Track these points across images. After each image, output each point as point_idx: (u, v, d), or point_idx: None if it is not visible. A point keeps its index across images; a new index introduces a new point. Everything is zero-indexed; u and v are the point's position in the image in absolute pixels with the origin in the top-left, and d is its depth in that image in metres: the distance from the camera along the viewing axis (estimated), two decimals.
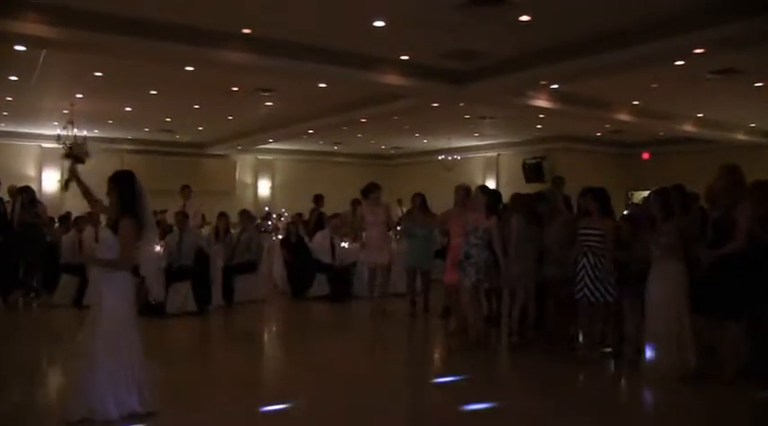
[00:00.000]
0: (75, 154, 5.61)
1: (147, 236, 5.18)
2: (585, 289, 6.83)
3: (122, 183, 5.08)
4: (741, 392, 6.04)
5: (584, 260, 6.86)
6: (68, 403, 4.87)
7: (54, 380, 6.54)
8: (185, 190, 12.76)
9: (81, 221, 11.38)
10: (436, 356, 8.08)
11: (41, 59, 10.32)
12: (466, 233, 7.51)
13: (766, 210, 6.10)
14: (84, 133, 15.70)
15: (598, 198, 7.05)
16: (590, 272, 6.80)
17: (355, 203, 13.13)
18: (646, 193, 8.26)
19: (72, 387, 4.94)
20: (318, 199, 14.36)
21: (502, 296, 8.82)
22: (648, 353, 6.48)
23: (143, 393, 4.98)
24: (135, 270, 5.29)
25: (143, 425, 4.84)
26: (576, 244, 7.05)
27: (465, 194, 8.62)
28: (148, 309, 9.15)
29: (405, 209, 13.86)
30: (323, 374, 6.70)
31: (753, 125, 17.43)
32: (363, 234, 10.41)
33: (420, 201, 9.91)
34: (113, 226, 4.97)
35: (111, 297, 4.92)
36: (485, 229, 7.37)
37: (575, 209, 8.61)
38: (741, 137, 17.67)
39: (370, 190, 9.93)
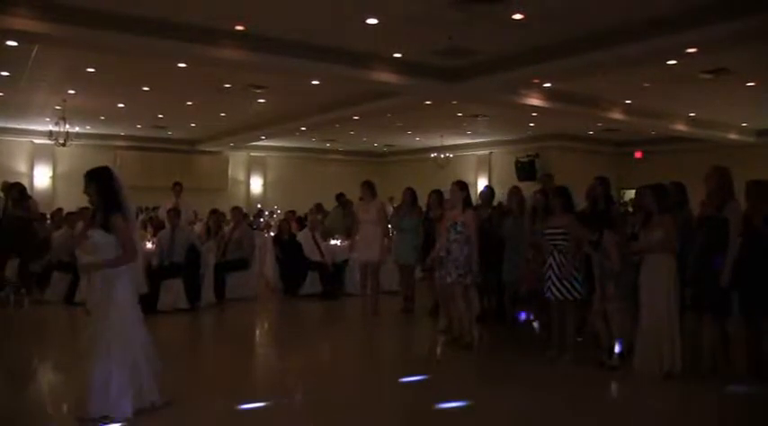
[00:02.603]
0: None
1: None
2: (552, 288, 6.85)
3: (102, 180, 4.97)
4: (727, 390, 6.08)
5: (551, 259, 6.88)
6: (86, 400, 4.81)
7: (49, 378, 6.51)
8: (177, 187, 12.75)
9: (72, 218, 11.34)
10: (421, 354, 8.08)
11: (33, 55, 10.29)
12: (446, 229, 7.55)
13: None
14: (76, 129, 15.69)
15: (560, 195, 7.06)
16: (556, 271, 6.82)
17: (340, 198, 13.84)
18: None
19: (89, 385, 4.83)
20: (340, 197, 14.42)
21: (493, 292, 8.84)
22: (637, 350, 6.47)
23: (159, 383, 5.01)
24: None
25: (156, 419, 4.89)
26: (542, 243, 7.15)
27: (437, 198, 9.22)
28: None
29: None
30: (312, 371, 6.71)
31: (745, 124, 17.52)
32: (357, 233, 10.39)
33: (410, 196, 9.93)
34: (103, 225, 4.90)
35: (117, 292, 4.88)
36: (462, 223, 7.42)
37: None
38: (733, 136, 17.76)
39: (361, 188, 9.99)
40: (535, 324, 7.99)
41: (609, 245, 6.51)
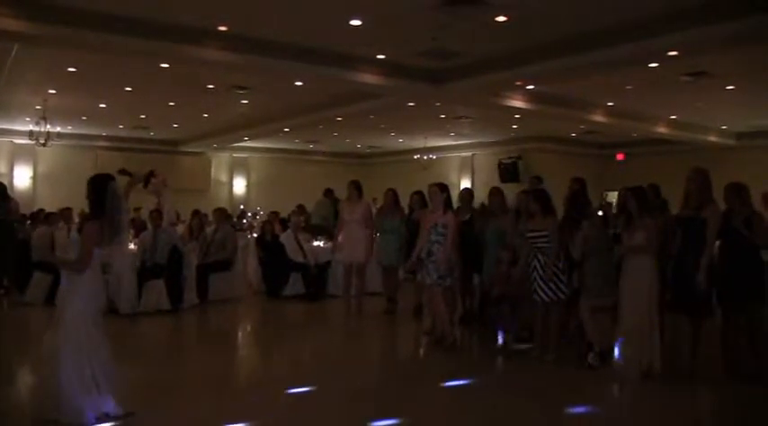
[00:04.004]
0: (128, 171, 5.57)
1: (118, 241, 5.09)
2: (538, 290, 6.88)
3: (95, 187, 5.00)
4: (705, 390, 6.14)
5: (535, 261, 6.92)
6: (39, 401, 4.81)
7: (24, 379, 6.45)
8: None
9: (53, 218, 11.24)
10: (405, 355, 8.11)
11: (13, 54, 10.18)
12: (428, 231, 7.56)
13: (748, 211, 6.26)
14: (58, 129, 15.56)
15: (539, 199, 7.11)
16: (540, 273, 6.86)
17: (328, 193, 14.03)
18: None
19: (42, 387, 4.86)
20: (328, 192, 14.42)
21: (474, 294, 8.87)
22: (617, 350, 6.52)
23: (116, 394, 4.93)
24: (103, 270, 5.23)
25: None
26: (525, 245, 7.18)
27: (420, 199, 9.38)
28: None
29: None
30: (296, 373, 6.71)
31: (724, 127, 17.69)
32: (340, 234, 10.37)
33: (392, 197, 9.94)
34: (80, 228, 4.93)
35: (76, 297, 4.87)
36: (443, 224, 7.45)
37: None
38: (713, 138, 17.92)
39: (348, 188, 9.99)
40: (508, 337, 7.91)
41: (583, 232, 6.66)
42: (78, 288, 4.88)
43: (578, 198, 7.55)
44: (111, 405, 4.87)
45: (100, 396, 4.85)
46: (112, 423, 4.81)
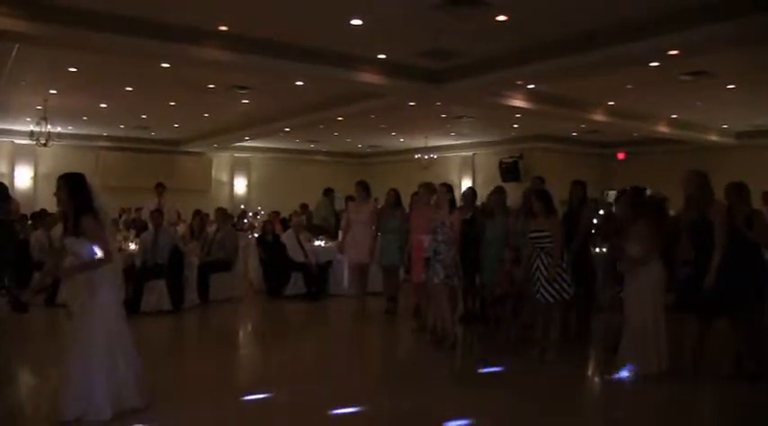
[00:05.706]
0: None
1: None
2: (542, 290, 6.88)
3: (75, 184, 5.04)
4: (712, 390, 6.14)
5: (538, 261, 6.92)
6: (63, 402, 4.81)
7: (26, 381, 6.46)
8: (159, 188, 12.66)
9: (49, 220, 11.22)
10: (405, 355, 8.11)
11: (14, 54, 10.18)
12: (433, 230, 7.55)
13: (748, 210, 6.26)
14: (58, 129, 15.54)
15: (542, 199, 7.12)
16: (544, 273, 6.86)
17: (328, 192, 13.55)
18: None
19: (66, 387, 4.85)
20: (328, 191, 14.42)
21: (477, 293, 8.87)
22: (623, 351, 6.52)
23: (141, 386, 5.02)
24: None
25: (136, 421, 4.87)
26: (528, 245, 7.19)
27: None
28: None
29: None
30: (298, 373, 6.72)
31: (725, 126, 17.69)
32: (340, 233, 10.36)
33: (393, 197, 9.93)
34: (74, 231, 4.91)
35: (104, 294, 4.91)
36: (451, 224, 7.45)
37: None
38: (714, 138, 17.92)
39: (356, 188, 10.00)
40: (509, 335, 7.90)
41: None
42: (100, 285, 4.91)
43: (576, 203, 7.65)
44: (136, 398, 4.97)
45: (127, 390, 4.92)
46: (131, 418, 4.88)
